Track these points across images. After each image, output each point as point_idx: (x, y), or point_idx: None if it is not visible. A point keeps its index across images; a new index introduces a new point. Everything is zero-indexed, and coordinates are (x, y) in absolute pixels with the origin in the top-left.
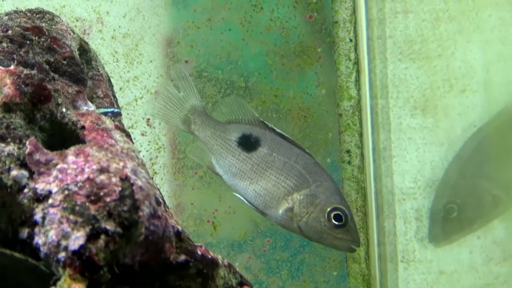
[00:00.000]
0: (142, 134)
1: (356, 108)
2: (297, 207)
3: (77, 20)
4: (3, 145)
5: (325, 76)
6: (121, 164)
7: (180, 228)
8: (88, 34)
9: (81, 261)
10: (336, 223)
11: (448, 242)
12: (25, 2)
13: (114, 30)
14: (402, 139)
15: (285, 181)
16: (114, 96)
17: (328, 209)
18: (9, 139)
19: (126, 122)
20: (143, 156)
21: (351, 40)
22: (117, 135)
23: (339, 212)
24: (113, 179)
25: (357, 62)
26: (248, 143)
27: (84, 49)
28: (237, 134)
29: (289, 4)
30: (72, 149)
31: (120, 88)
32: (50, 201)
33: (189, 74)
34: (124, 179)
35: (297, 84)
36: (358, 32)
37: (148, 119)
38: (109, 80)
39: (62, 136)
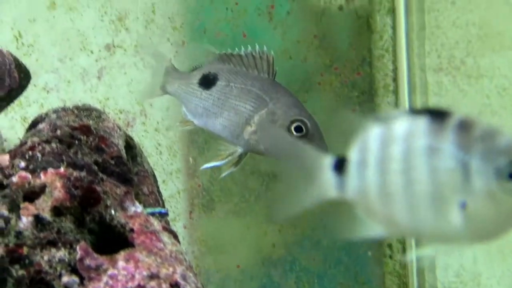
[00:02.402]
0: (185, 227)
1: None
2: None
3: (121, 112)
4: (54, 250)
5: None
6: (171, 269)
7: None
8: (132, 126)
9: None
10: (298, 134)
11: None
12: (70, 93)
13: (158, 122)
14: None
15: (244, 106)
16: (159, 192)
17: (287, 123)
18: (59, 244)
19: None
20: (185, 248)
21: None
22: (165, 237)
23: (299, 123)
24: (163, 286)
25: None
26: (207, 81)
27: (129, 145)
28: (198, 76)
29: (331, 98)
30: (122, 253)
31: (163, 181)
32: None
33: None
34: (174, 285)
35: None
36: None
37: (191, 211)
38: (154, 176)
39: (110, 238)
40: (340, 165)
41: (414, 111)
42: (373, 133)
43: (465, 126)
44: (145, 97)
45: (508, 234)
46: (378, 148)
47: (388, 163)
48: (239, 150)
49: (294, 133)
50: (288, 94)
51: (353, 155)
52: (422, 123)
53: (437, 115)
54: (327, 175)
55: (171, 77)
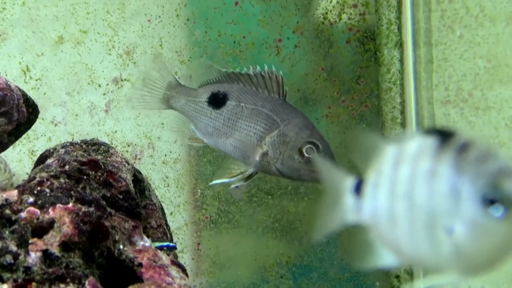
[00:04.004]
0: (193, 259)
1: None
2: (271, 150)
3: (128, 145)
4: (62, 285)
5: None
6: None
7: None
8: (139, 159)
9: None
10: (310, 156)
11: None
12: (78, 127)
13: (165, 155)
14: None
15: (254, 127)
16: (167, 225)
17: (299, 145)
18: (68, 279)
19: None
20: (193, 280)
21: None
22: (174, 271)
23: (310, 145)
24: None
25: None
26: (216, 100)
27: (137, 179)
28: (206, 95)
29: (339, 130)
30: None
31: (171, 213)
32: None
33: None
34: None
35: None
36: None
37: (199, 243)
38: (162, 209)
39: (119, 273)
40: (360, 188)
41: (426, 131)
42: (387, 155)
43: (464, 149)
44: (142, 108)
45: (501, 265)
46: (390, 171)
47: (396, 186)
48: (251, 170)
49: (306, 155)
50: (299, 115)
51: (369, 178)
52: (429, 145)
53: (444, 136)
54: (347, 198)
55: (176, 91)
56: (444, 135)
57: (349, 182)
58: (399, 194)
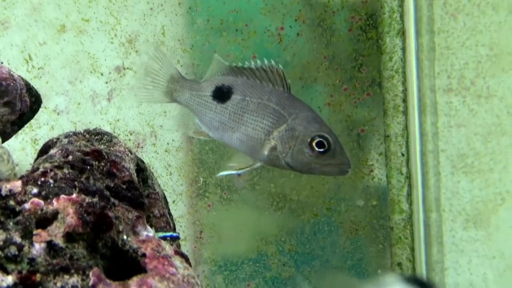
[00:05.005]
0: (195, 247)
1: (407, 222)
2: (279, 144)
3: (131, 134)
4: (67, 277)
5: (377, 189)
6: None
7: None
8: (142, 147)
9: None
10: (320, 150)
11: None
12: (80, 115)
13: (168, 143)
14: (454, 251)
15: (262, 122)
16: (170, 214)
17: (309, 139)
18: (72, 270)
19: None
20: (195, 267)
21: (403, 155)
22: (177, 261)
23: (321, 139)
24: None
25: (409, 177)
26: (221, 94)
27: (140, 168)
28: (211, 88)
29: (341, 118)
30: (134, 279)
31: (173, 201)
32: None
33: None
34: None
35: (348, 197)
36: (410, 146)
37: (201, 231)
38: (165, 198)
39: (123, 263)
40: None
41: (406, 279)
42: None
43: None
44: (146, 101)
45: None
46: None
47: None
48: (259, 164)
49: (316, 149)
50: (306, 109)
51: None
52: None
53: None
54: None
55: (179, 85)
56: (422, 286)
57: None
58: None
